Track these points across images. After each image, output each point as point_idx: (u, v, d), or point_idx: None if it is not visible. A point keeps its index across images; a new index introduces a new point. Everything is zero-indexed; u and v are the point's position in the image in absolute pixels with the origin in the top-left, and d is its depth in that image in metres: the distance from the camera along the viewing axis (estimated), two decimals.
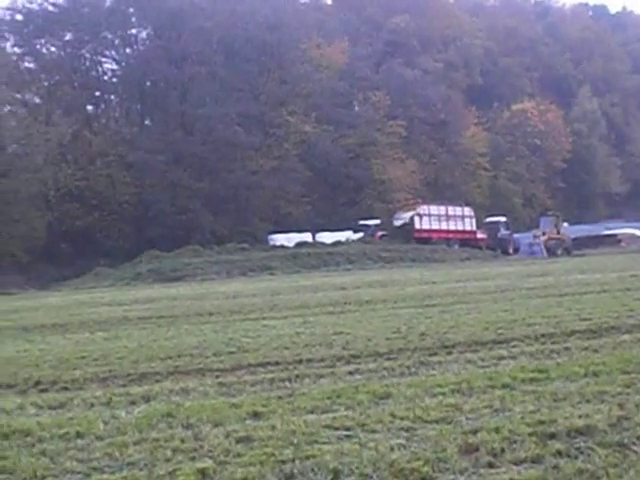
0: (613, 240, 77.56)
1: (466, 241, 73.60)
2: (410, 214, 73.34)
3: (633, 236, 78.30)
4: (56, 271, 58.87)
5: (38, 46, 76.78)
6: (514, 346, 13.58)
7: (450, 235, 73.35)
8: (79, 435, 8.61)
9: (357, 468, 6.98)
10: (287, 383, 11.15)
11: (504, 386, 9.92)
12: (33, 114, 70.13)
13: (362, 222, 72.21)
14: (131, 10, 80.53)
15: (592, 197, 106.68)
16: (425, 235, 71.48)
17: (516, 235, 74.93)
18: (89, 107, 79.04)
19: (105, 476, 7.25)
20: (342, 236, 67.89)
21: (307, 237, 67.52)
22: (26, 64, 75.63)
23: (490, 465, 6.97)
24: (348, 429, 8.28)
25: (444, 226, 73.65)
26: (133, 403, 10.35)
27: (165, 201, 68.99)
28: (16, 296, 45.71)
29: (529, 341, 14.06)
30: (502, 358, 12.35)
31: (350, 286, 34.92)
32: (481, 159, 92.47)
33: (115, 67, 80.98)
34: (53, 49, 77.68)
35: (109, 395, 10.87)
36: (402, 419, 8.53)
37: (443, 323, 17.30)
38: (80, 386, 11.94)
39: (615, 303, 19.61)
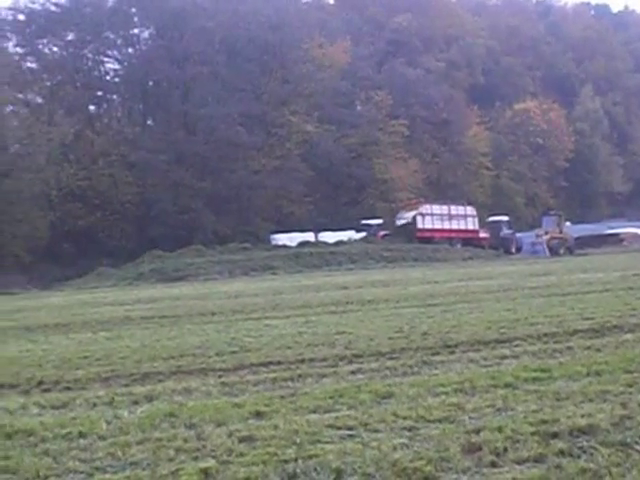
0: (615, 239, 77.55)
1: (468, 240, 73.62)
2: (412, 213, 73.32)
3: (635, 235, 78.27)
4: (59, 271, 58.88)
5: (40, 46, 76.83)
6: (517, 345, 13.56)
7: (452, 234, 73.35)
8: (82, 435, 8.61)
9: (360, 467, 6.98)
10: (289, 383, 11.15)
11: (507, 385, 9.91)
12: (35, 114, 70.18)
13: (364, 222, 72.24)
14: (133, 10, 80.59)
15: (594, 196, 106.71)
16: (427, 234, 71.46)
17: (518, 234, 74.94)
18: (91, 107, 79.13)
19: (108, 476, 7.26)
20: (344, 236, 67.91)
21: (309, 237, 67.52)
22: (28, 64, 75.73)
23: (493, 464, 6.97)
24: (351, 428, 8.28)
25: (446, 225, 73.66)
26: (136, 403, 10.34)
27: (167, 201, 69.03)
28: (19, 296, 45.72)
29: (532, 340, 14.04)
30: (505, 357, 12.34)
31: (352, 285, 34.91)
32: (483, 158, 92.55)
33: (117, 67, 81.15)
34: (55, 49, 77.74)
35: (112, 395, 10.87)
36: (405, 418, 8.52)
37: (445, 322, 17.28)
38: (83, 386, 11.94)
39: (618, 302, 19.59)
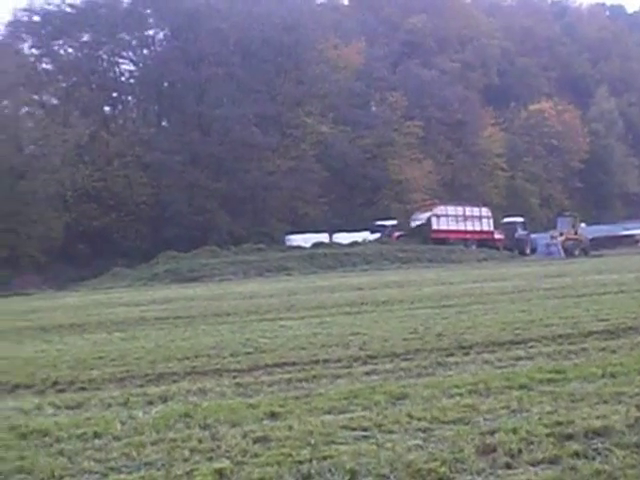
0: (631, 240, 77.38)
1: (483, 242, 73.45)
2: (427, 214, 73.20)
3: None
4: (74, 271, 58.99)
5: (55, 47, 76.98)
6: (531, 347, 13.56)
7: (467, 236, 73.19)
8: (97, 435, 8.64)
9: (374, 469, 6.98)
10: (304, 383, 11.16)
11: (521, 387, 9.91)
12: (51, 115, 70.33)
13: (379, 222, 72.15)
14: (148, 11, 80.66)
15: (610, 197, 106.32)
16: (442, 236, 71.32)
17: (533, 235, 74.75)
18: (106, 108, 79.22)
19: (122, 476, 7.28)
20: (359, 237, 67.88)
21: (324, 238, 67.49)
22: (44, 65, 75.91)
23: (507, 466, 6.97)
24: (365, 430, 8.29)
25: (461, 227, 73.51)
26: (150, 403, 10.37)
27: (182, 202, 69.09)
28: (34, 296, 45.87)
29: (546, 342, 14.04)
30: (519, 359, 12.34)
31: (367, 287, 34.92)
32: (498, 159, 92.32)
33: (132, 68, 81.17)
34: (70, 50, 77.83)
35: (126, 395, 10.90)
36: (419, 420, 8.53)
37: (460, 324, 17.28)
38: (98, 386, 11.98)
39: (633, 304, 19.56)
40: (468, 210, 74.74)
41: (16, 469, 7.56)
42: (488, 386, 10.02)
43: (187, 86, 76.83)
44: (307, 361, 13.21)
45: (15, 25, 75.00)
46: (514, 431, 7.78)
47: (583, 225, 75.55)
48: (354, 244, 65.71)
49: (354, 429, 8.31)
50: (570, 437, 7.59)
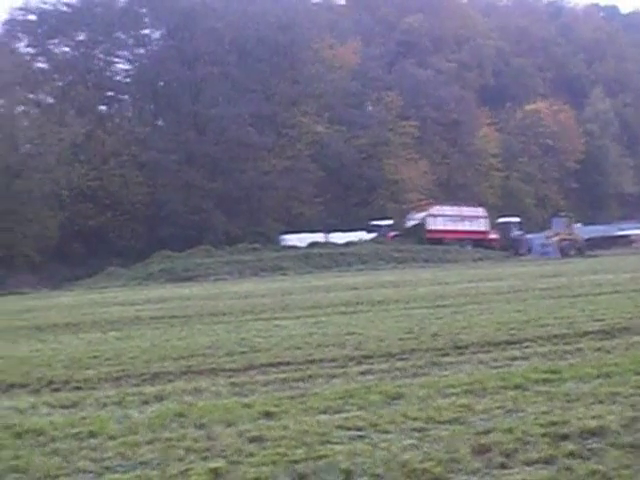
0: (626, 241, 77.38)
1: (479, 241, 73.50)
2: (423, 214, 73.23)
3: None
4: (69, 271, 58.96)
5: (51, 46, 76.87)
6: (527, 347, 13.58)
7: (463, 236, 73.20)
8: (92, 434, 8.64)
9: (369, 468, 6.99)
10: (299, 383, 11.17)
11: (516, 387, 9.92)
12: (46, 114, 70.19)
13: (374, 222, 72.16)
14: (144, 10, 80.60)
15: (605, 198, 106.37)
16: (438, 235, 71.34)
17: (529, 236, 74.75)
18: (102, 107, 79.14)
19: (117, 475, 7.28)
20: (354, 236, 67.87)
21: (319, 237, 67.49)
22: (39, 64, 75.72)
23: (503, 466, 6.98)
24: (360, 429, 8.29)
25: (457, 227, 73.52)
26: (146, 403, 10.37)
27: (177, 201, 69.08)
28: (29, 296, 45.84)
29: (542, 342, 14.06)
30: (515, 359, 12.36)
31: (362, 286, 34.94)
32: (493, 159, 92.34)
33: (128, 67, 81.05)
34: (66, 49, 77.72)
35: (122, 395, 10.90)
36: (414, 419, 8.54)
37: (455, 324, 17.29)
38: (93, 386, 11.97)
39: (628, 304, 19.58)
40: (464, 210, 74.78)
41: (11, 468, 7.56)
42: (483, 386, 10.03)
43: (183, 85, 76.75)
44: (302, 361, 13.21)
45: (11, 24, 74.95)
46: (509, 431, 7.80)
47: (578, 225, 75.61)
48: (349, 244, 65.69)
49: (349, 429, 8.32)
50: (565, 437, 7.60)
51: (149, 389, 11.32)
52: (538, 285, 28.76)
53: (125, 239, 67.43)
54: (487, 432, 7.84)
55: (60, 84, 75.38)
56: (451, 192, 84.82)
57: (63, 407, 10.39)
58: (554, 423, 8.02)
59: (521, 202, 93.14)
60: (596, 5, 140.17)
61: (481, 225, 75.64)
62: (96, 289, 48.92)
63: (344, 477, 6.87)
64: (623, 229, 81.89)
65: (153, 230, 68.10)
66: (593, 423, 7.92)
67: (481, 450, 7.32)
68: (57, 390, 11.79)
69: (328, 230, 68.66)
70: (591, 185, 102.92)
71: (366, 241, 67.67)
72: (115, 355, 15.17)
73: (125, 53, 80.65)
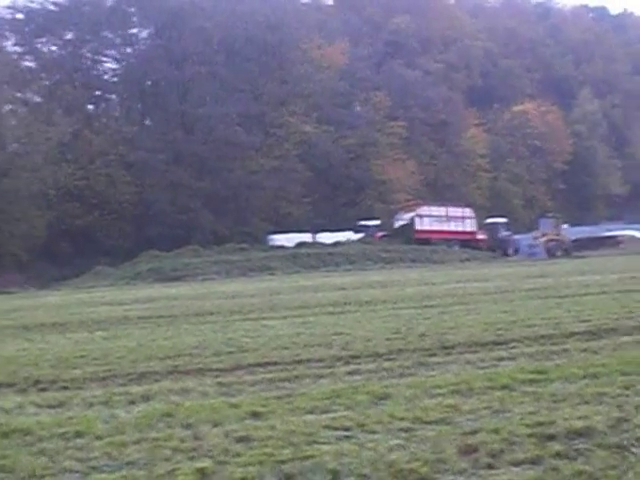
0: (613, 242, 77.47)
1: (466, 242, 73.49)
2: (410, 215, 73.20)
3: (633, 238, 78.21)
4: (56, 270, 58.88)
5: (39, 45, 76.77)
6: (513, 347, 13.59)
7: (450, 236, 73.18)
8: (78, 434, 8.62)
9: (356, 469, 6.99)
10: (286, 383, 11.16)
11: (503, 387, 9.93)
12: (34, 113, 70.05)
13: (362, 223, 72.19)
14: (132, 9, 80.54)
15: (592, 199, 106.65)
16: (425, 236, 71.27)
17: (516, 236, 74.83)
18: (89, 106, 79.06)
19: (104, 475, 7.26)
20: (342, 236, 67.87)
21: (307, 237, 67.48)
22: (27, 63, 75.59)
23: (489, 466, 6.98)
24: (347, 429, 8.29)
25: (444, 227, 73.48)
26: (132, 402, 10.35)
27: (165, 200, 69.04)
28: (16, 295, 45.72)
29: (528, 342, 14.08)
30: (501, 359, 12.37)
31: (350, 286, 34.93)
32: (481, 160, 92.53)
33: (116, 66, 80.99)
34: (54, 48, 77.63)
35: (108, 394, 10.88)
36: (401, 420, 8.54)
37: (442, 324, 17.31)
38: (79, 385, 11.94)
39: (615, 305, 19.62)
40: (451, 210, 74.74)
41: None
42: (470, 386, 10.04)
43: (170, 85, 76.69)
44: (289, 361, 13.21)
45: None
46: (496, 431, 7.81)
47: (566, 226, 75.73)
48: (337, 244, 65.64)
49: (336, 429, 8.32)
50: (552, 437, 7.61)
51: (136, 389, 11.30)
52: (525, 286, 28.82)
53: (113, 238, 67.34)
54: (474, 432, 7.85)
55: (47, 83, 75.32)
56: (438, 192, 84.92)
57: (50, 407, 10.37)
58: (541, 423, 8.04)
59: (509, 203, 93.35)
60: (585, 6, 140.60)
61: (469, 226, 75.60)
62: (84, 288, 48.81)
63: (331, 477, 6.87)
64: (610, 230, 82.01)
65: (141, 229, 68.04)
66: (580, 424, 7.94)
67: (468, 450, 7.33)
68: (44, 390, 11.76)
69: (316, 230, 68.66)
70: (579, 186, 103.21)
71: (354, 241, 67.64)
72: (102, 355, 15.14)
73: (113, 52, 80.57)
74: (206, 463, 7.31)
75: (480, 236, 74.99)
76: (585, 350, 12.87)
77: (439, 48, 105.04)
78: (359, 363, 12.67)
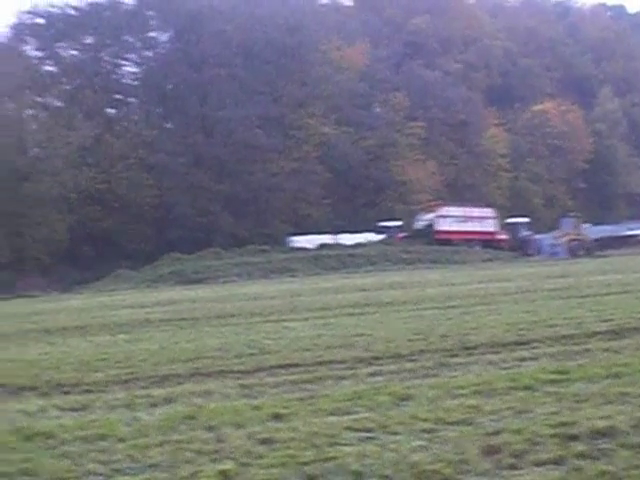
0: (635, 240, 77.10)
1: (487, 242, 73.32)
2: (431, 215, 73.05)
3: None
4: (78, 274, 59.08)
5: (59, 50, 77.00)
6: (535, 347, 13.56)
7: (471, 236, 73.00)
8: (101, 437, 8.64)
9: (378, 470, 6.98)
10: (308, 385, 11.17)
11: (525, 387, 9.91)
12: (54, 117, 70.32)
13: (383, 224, 72.10)
14: (151, 13, 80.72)
15: (614, 198, 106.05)
16: (446, 236, 71.12)
17: (537, 236, 74.57)
18: (110, 110, 79.22)
19: (127, 478, 7.28)
20: (363, 238, 67.84)
21: (328, 239, 67.44)
22: (47, 67, 75.88)
23: (512, 467, 6.97)
24: (369, 431, 8.29)
25: (465, 227, 73.30)
26: (155, 405, 10.38)
27: (186, 203, 69.14)
28: (38, 299, 45.90)
29: (550, 342, 14.04)
30: (523, 359, 12.34)
31: (371, 288, 34.92)
32: (501, 160, 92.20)
33: (136, 70, 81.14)
34: (74, 52, 77.83)
35: (131, 397, 10.91)
36: (423, 421, 8.53)
37: (464, 324, 17.28)
38: (102, 388, 11.99)
39: (637, 304, 19.53)
40: (472, 211, 74.60)
41: (21, 471, 7.57)
42: (492, 387, 10.02)
43: (190, 88, 76.80)
44: (311, 362, 13.22)
45: (19, 27, 75.23)
46: (518, 432, 7.79)
47: (587, 225, 75.40)
48: (358, 245, 65.61)
49: (358, 430, 8.32)
50: (575, 438, 7.59)
51: (158, 391, 11.33)
52: (547, 286, 28.73)
53: (134, 242, 67.50)
54: (496, 433, 7.84)
55: (68, 87, 75.57)
56: (459, 193, 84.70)
57: (72, 410, 10.40)
58: (563, 424, 8.01)
59: (529, 202, 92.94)
60: (603, 5, 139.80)
61: (490, 226, 75.41)
62: (105, 292, 48.97)
63: (353, 479, 6.87)
64: (632, 229, 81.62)
65: (162, 232, 68.19)
66: (602, 423, 7.91)
67: (490, 451, 7.31)
68: (66, 393, 11.81)
69: (336, 231, 68.61)
70: (599, 185, 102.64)
71: (374, 242, 67.59)
72: (124, 358, 15.18)
73: (133, 56, 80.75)
74: (229, 465, 7.32)
75: (501, 236, 74.79)
76: (607, 350, 12.82)
77: (459, 48, 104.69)
78: (381, 364, 12.67)
